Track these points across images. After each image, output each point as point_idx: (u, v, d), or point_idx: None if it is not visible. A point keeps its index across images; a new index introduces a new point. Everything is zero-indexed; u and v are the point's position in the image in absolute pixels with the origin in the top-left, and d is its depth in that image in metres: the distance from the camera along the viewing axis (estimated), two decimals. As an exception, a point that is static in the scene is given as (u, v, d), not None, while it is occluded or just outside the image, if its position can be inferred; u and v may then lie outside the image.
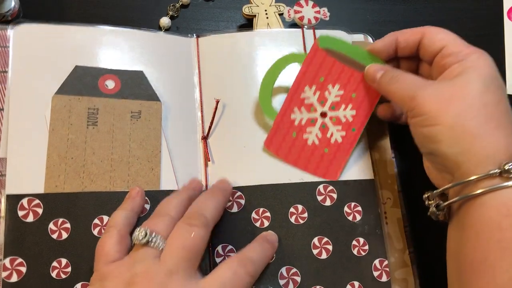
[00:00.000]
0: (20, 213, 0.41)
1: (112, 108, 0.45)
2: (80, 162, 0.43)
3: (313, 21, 0.51)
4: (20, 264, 0.40)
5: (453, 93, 0.38)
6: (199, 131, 0.49)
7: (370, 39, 0.52)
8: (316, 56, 0.47)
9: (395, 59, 0.47)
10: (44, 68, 0.45)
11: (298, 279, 0.44)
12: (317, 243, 0.45)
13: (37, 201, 0.41)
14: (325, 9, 0.52)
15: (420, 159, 0.42)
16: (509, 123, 0.37)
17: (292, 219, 0.45)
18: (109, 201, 0.43)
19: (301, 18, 0.51)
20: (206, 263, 0.43)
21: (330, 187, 0.47)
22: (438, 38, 0.42)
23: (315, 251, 0.45)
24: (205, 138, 0.48)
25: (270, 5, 0.54)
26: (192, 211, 0.41)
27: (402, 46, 0.45)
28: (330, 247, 0.45)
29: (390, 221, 0.47)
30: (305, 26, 0.52)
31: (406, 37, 0.45)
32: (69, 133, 0.44)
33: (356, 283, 0.44)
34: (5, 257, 0.40)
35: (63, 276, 0.40)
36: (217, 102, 0.47)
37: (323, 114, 0.48)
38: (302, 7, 0.52)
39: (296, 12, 0.51)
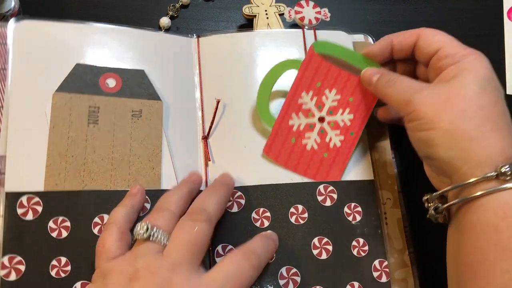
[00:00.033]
0: (20, 211, 0.41)
1: (113, 106, 0.45)
2: (81, 160, 0.43)
3: (314, 22, 0.51)
4: (19, 262, 0.40)
5: (448, 96, 0.38)
6: (200, 131, 0.48)
7: (370, 40, 0.53)
8: (311, 61, 0.47)
9: (391, 62, 0.47)
10: (44, 65, 0.45)
11: (298, 279, 0.44)
12: (317, 244, 0.45)
13: (36, 199, 0.41)
14: (326, 10, 0.52)
15: (420, 160, 0.42)
16: (506, 125, 0.37)
17: (293, 219, 0.45)
18: (110, 200, 0.43)
19: (302, 19, 0.51)
20: (206, 263, 0.43)
21: (331, 188, 0.47)
22: (434, 40, 0.42)
23: (315, 252, 0.45)
24: (205, 138, 0.48)
25: (270, 6, 0.54)
26: (194, 207, 0.41)
27: (398, 48, 0.45)
28: (330, 248, 0.45)
29: (390, 222, 0.47)
30: (306, 27, 0.52)
31: (401, 39, 0.45)
32: (70, 131, 0.43)
33: (356, 284, 0.44)
34: (3, 255, 0.39)
35: (63, 275, 0.40)
36: (218, 102, 0.47)
37: (321, 119, 0.48)
38: (303, 7, 0.52)
39: (296, 12, 0.51)
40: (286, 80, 0.48)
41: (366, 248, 0.45)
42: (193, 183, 0.44)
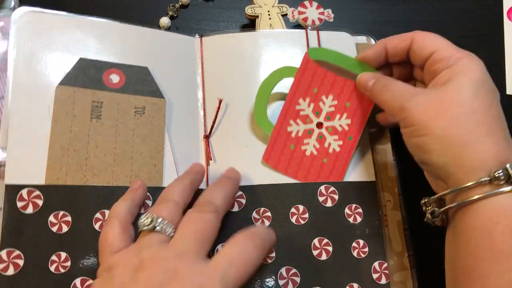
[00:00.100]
0: (19, 204, 0.40)
1: (117, 102, 0.45)
2: (83, 155, 0.43)
3: (317, 22, 0.52)
4: (18, 256, 0.39)
5: (442, 102, 0.38)
6: (201, 130, 0.48)
7: (372, 41, 0.53)
8: (307, 68, 0.48)
9: (388, 65, 0.47)
10: (47, 57, 0.44)
11: (298, 279, 0.43)
12: (317, 244, 0.45)
13: (37, 192, 0.41)
14: (329, 11, 0.52)
15: (420, 162, 0.43)
16: (500, 129, 0.37)
17: (293, 220, 0.45)
18: (111, 196, 0.42)
19: (305, 19, 0.51)
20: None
21: (332, 188, 0.47)
22: (427, 43, 0.42)
23: (315, 252, 0.44)
24: (207, 137, 0.48)
25: (273, 6, 0.54)
26: (201, 199, 0.41)
27: (392, 53, 0.45)
28: (330, 248, 0.45)
29: (390, 224, 0.47)
30: (309, 27, 0.52)
31: (395, 44, 0.44)
32: (72, 125, 0.43)
33: (355, 285, 0.44)
34: (1, 249, 0.39)
35: (62, 271, 0.40)
36: (220, 101, 0.47)
37: (319, 125, 0.48)
38: (306, 8, 0.52)
39: (300, 13, 0.52)
40: (284, 86, 0.48)
41: (366, 249, 0.45)
42: (195, 174, 0.44)
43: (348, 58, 0.48)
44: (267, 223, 0.45)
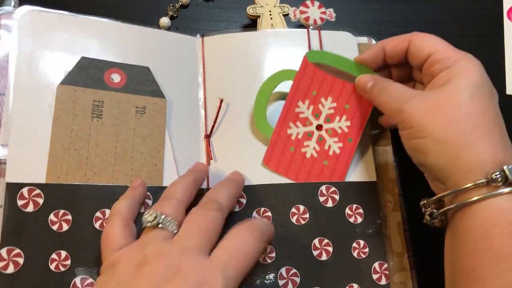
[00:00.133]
0: (20, 203, 0.40)
1: (117, 102, 0.45)
2: (84, 154, 0.43)
3: (319, 22, 0.51)
4: (18, 255, 0.39)
5: (439, 104, 0.38)
6: (202, 130, 0.48)
7: (374, 42, 0.53)
8: (306, 71, 0.48)
9: (386, 67, 0.47)
10: (48, 57, 0.45)
11: (298, 279, 0.43)
12: (317, 244, 0.45)
13: (38, 191, 0.41)
14: (331, 10, 0.52)
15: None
16: (497, 130, 0.37)
17: (294, 220, 0.45)
18: (112, 195, 0.42)
19: (307, 19, 0.51)
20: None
21: (333, 189, 0.46)
22: (425, 45, 0.42)
23: (315, 252, 0.44)
24: (208, 137, 0.48)
25: (274, 6, 0.54)
26: (206, 198, 0.41)
27: (390, 55, 0.45)
28: (330, 249, 0.45)
29: (390, 224, 0.47)
30: (311, 27, 0.52)
31: (392, 46, 0.44)
32: (73, 124, 0.43)
33: (355, 285, 0.44)
34: (2, 247, 0.39)
35: (62, 269, 0.40)
36: (221, 101, 0.47)
37: (319, 127, 0.48)
38: (308, 7, 0.52)
39: (302, 12, 0.52)
40: (283, 87, 0.48)
41: (367, 250, 0.45)
42: (199, 172, 0.44)
43: (346, 60, 0.48)
44: (267, 223, 0.45)
